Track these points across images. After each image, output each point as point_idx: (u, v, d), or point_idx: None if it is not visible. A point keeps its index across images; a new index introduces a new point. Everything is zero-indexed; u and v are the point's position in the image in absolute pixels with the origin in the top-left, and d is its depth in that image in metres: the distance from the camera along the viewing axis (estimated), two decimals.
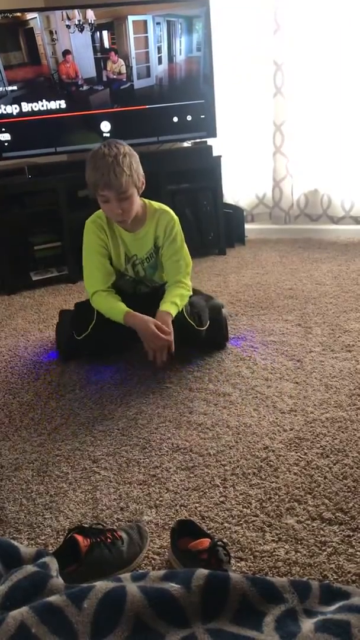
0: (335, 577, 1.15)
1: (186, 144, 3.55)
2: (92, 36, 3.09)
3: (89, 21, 3.06)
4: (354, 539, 1.24)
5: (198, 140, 3.45)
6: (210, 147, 3.43)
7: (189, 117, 3.34)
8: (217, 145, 3.51)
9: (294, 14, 3.33)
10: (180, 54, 3.24)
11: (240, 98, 3.65)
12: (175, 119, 3.33)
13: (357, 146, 3.43)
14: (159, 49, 3.20)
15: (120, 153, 1.91)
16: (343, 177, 3.52)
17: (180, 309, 2.06)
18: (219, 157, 3.43)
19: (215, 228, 3.53)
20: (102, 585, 0.83)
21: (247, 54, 3.56)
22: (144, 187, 2.03)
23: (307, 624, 0.78)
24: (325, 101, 3.44)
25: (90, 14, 3.05)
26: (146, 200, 2.14)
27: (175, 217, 2.16)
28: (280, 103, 3.52)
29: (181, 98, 3.31)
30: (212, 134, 3.41)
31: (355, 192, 3.53)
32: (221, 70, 3.53)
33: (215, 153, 3.43)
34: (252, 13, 3.46)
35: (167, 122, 3.32)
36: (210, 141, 3.45)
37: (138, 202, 2.05)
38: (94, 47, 3.12)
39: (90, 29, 3.08)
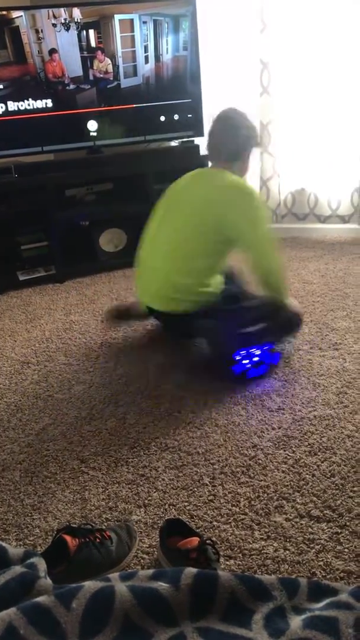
0: (324, 574, 1.16)
1: (173, 144, 3.54)
2: (79, 35, 3.08)
3: (75, 20, 3.04)
4: (342, 536, 1.25)
5: (185, 139, 3.45)
6: (197, 147, 3.42)
7: (176, 117, 3.34)
8: (205, 144, 3.50)
9: (280, 13, 3.34)
10: (167, 53, 3.24)
11: (227, 97, 3.65)
12: (162, 118, 3.32)
13: (343, 145, 3.44)
14: (146, 48, 3.19)
15: None
16: (330, 176, 3.53)
17: None
18: (207, 156, 3.42)
19: None
20: (90, 585, 0.83)
21: (233, 53, 3.56)
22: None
23: (296, 621, 0.78)
24: (311, 100, 3.45)
25: (77, 12, 3.03)
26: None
27: None
28: (267, 102, 3.52)
29: (168, 97, 3.30)
30: (200, 133, 3.41)
31: (341, 191, 3.54)
32: (208, 69, 3.53)
33: (202, 152, 3.43)
34: (238, 12, 3.46)
35: (154, 121, 3.32)
36: (197, 140, 3.45)
37: None
38: (81, 46, 3.10)
39: (77, 28, 3.06)
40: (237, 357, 1.91)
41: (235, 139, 2.06)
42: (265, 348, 1.94)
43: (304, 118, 3.50)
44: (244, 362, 1.92)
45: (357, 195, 3.48)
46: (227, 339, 1.92)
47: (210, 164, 2.16)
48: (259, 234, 1.95)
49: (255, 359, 1.93)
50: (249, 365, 1.93)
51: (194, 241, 1.97)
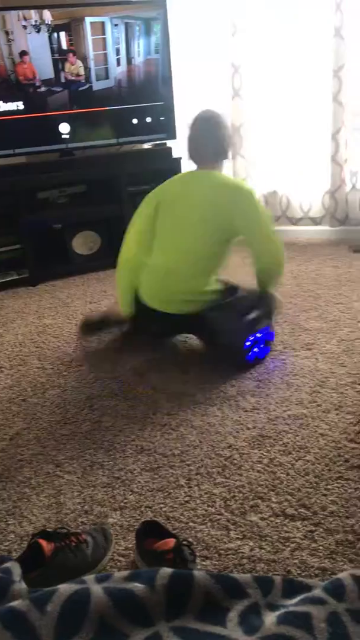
0: (299, 572, 1.17)
1: (146, 146, 3.55)
2: (50, 37, 3.06)
3: (46, 22, 3.03)
4: (317, 534, 1.26)
5: (158, 142, 3.46)
6: (170, 149, 3.44)
7: (148, 119, 3.35)
8: (177, 147, 3.52)
9: (251, 17, 3.37)
10: (139, 55, 3.24)
11: (199, 100, 3.67)
12: (135, 121, 3.33)
13: (314, 148, 3.49)
14: (118, 51, 3.19)
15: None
16: (301, 178, 3.58)
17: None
18: (179, 158, 3.44)
19: None
20: (65, 588, 0.83)
21: (205, 56, 3.59)
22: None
23: (270, 618, 0.79)
24: (283, 103, 3.49)
25: (47, 14, 3.02)
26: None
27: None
28: (239, 105, 3.55)
29: (140, 100, 3.31)
30: (172, 135, 3.42)
31: (312, 194, 3.59)
32: (180, 72, 3.55)
33: (175, 155, 3.45)
34: (209, 16, 3.48)
35: (127, 123, 3.32)
36: (170, 143, 3.46)
37: None
38: (52, 48, 3.09)
39: (47, 30, 3.05)
40: (247, 344, 2.01)
41: (221, 138, 2.09)
42: (264, 331, 2.07)
43: (276, 121, 3.54)
44: (254, 349, 2.05)
45: (328, 198, 3.52)
46: (238, 328, 2.02)
47: (196, 166, 2.16)
48: (265, 230, 2.07)
49: (256, 342, 2.06)
50: (256, 349, 2.06)
51: (203, 244, 2.06)
